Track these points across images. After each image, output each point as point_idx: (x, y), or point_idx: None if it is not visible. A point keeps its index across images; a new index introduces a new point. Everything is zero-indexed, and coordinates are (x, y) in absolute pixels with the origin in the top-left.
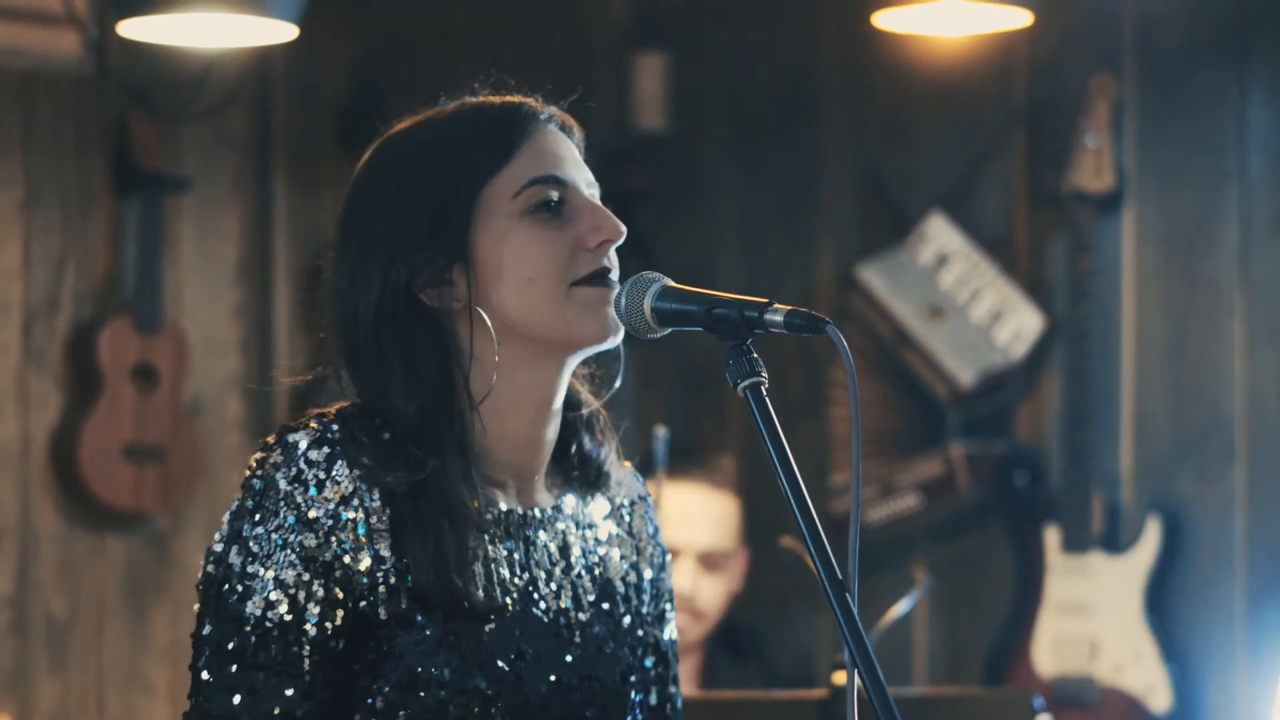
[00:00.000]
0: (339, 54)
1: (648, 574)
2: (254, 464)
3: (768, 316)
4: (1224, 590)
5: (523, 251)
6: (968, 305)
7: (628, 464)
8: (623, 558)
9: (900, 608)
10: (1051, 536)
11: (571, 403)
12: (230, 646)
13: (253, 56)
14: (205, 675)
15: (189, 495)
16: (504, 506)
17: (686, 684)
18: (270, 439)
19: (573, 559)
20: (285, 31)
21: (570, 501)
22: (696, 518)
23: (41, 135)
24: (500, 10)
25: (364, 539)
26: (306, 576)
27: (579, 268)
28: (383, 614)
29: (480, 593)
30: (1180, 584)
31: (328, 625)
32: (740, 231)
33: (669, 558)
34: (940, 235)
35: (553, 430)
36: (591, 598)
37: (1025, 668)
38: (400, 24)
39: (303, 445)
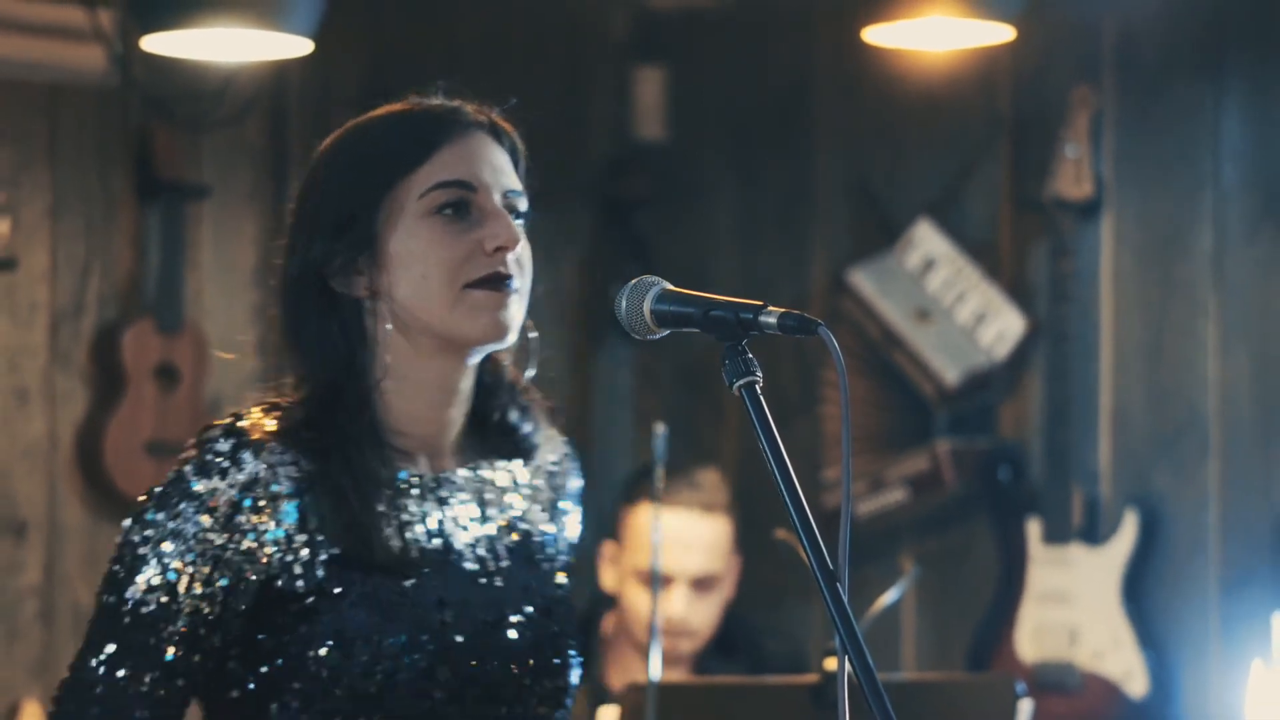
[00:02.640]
0: (351, 67)
1: (566, 530)
2: (177, 459)
3: (762, 318)
4: (1198, 580)
5: (420, 250)
6: (953, 307)
7: (552, 430)
8: (543, 511)
9: (889, 597)
10: (1033, 529)
11: (496, 378)
12: (108, 620)
13: (269, 70)
14: (85, 640)
15: None
16: (418, 471)
17: (678, 674)
18: (193, 437)
19: (488, 513)
20: (300, 46)
21: (487, 465)
22: (688, 544)
23: (68, 145)
24: (506, 25)
25: (268, 521)
26: (190, 567)
27: (473, 270)
28: (301, 586)
29: (394, 547)
30: (1156, 574)
31: (201, 617)
32: (736, 237)
33: (578, 515)
34: (927, 241)
35: (458, 412)
36: (510, 547)
37: (1008, 654)
38: (410, 39)
39: (212, 437)
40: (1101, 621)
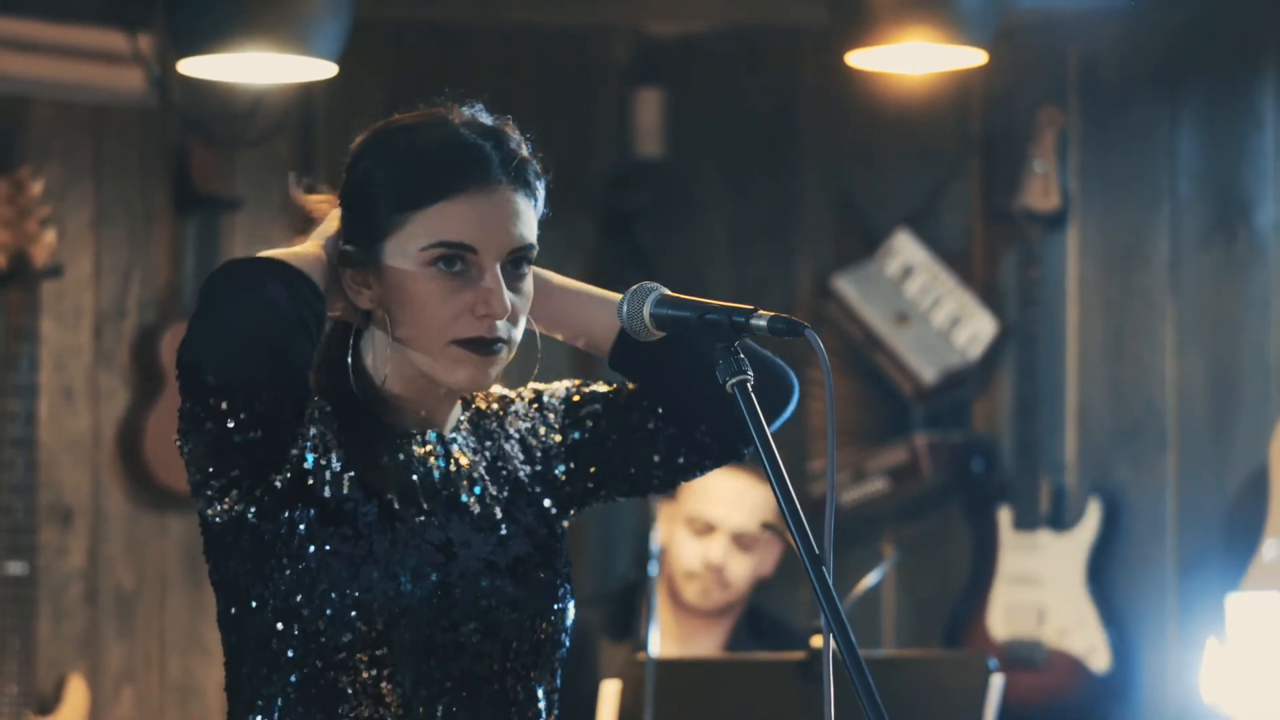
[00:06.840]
0: (374, 88)
1: (555, 437)
2: None
3: (753, 321)
4: (1156, 564)
5: (415, 298)
6: (930, 312)
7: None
8: (525, 460)
9: (870, 579)
10: (1004, 516)
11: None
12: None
13: (297, 91)
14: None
15: None
16: (417, 431)
17: (711, 646)
18: None
19: (483, 469)
20: (326, 69)
21: (485, 426)
22: (735, 500)
23: (110, 161)
24: (518, 49)
25: (315, 444)
26: None
27: (460, 330)
28: (329, 493)
29: (405, 476)
30: (1118, 558)
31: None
32: (729, 246)
33: (567, 386)
34: (906, 249)
35: (449, 401)
36: (507, 497)
37: (981, 632)
38: (428, 62)
39: None
40: (1067, 602)
